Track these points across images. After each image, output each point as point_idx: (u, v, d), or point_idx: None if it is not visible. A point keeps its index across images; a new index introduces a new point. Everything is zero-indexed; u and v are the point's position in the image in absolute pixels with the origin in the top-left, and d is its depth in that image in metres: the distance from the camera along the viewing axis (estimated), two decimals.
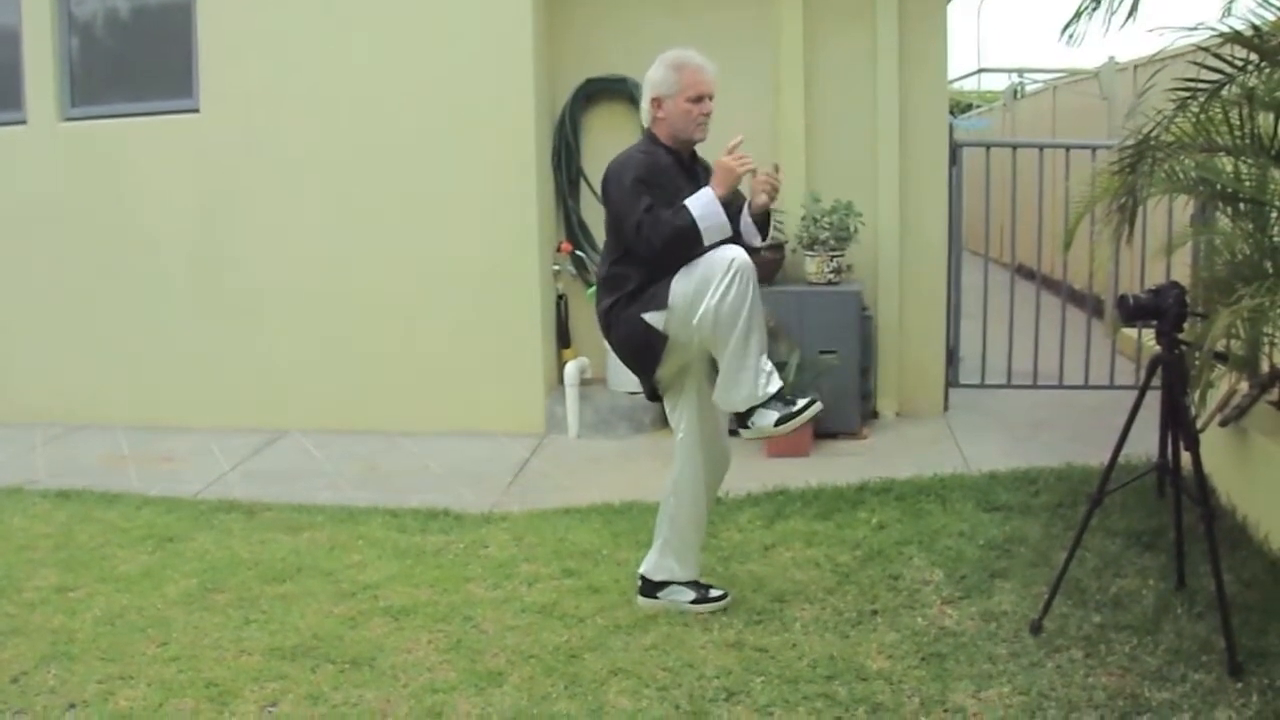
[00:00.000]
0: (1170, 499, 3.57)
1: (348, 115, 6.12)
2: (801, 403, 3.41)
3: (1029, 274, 8.06)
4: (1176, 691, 2.98)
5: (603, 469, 5.45)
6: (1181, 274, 4.89)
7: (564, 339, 6.34)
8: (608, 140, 5.80)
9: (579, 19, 6.21)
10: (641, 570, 3.76)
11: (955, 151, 6.24)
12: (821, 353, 5.56)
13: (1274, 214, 3.67)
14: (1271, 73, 3.28)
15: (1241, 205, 3.72)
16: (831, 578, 3.89)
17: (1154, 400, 3.37)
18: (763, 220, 3.65)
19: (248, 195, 6.29)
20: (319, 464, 5.68)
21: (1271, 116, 3.41)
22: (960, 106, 15.03)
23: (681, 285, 3.38)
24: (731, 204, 3.48)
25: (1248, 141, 3.42)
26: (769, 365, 3.42)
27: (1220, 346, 3.56)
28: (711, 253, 3.36)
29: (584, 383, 6.14)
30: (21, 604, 3.90)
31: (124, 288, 6.50)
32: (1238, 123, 3.42)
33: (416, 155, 6.06)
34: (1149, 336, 3.48)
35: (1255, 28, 3.24)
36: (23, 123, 6.58)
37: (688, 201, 3.38)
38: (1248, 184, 3.65)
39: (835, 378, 5.51)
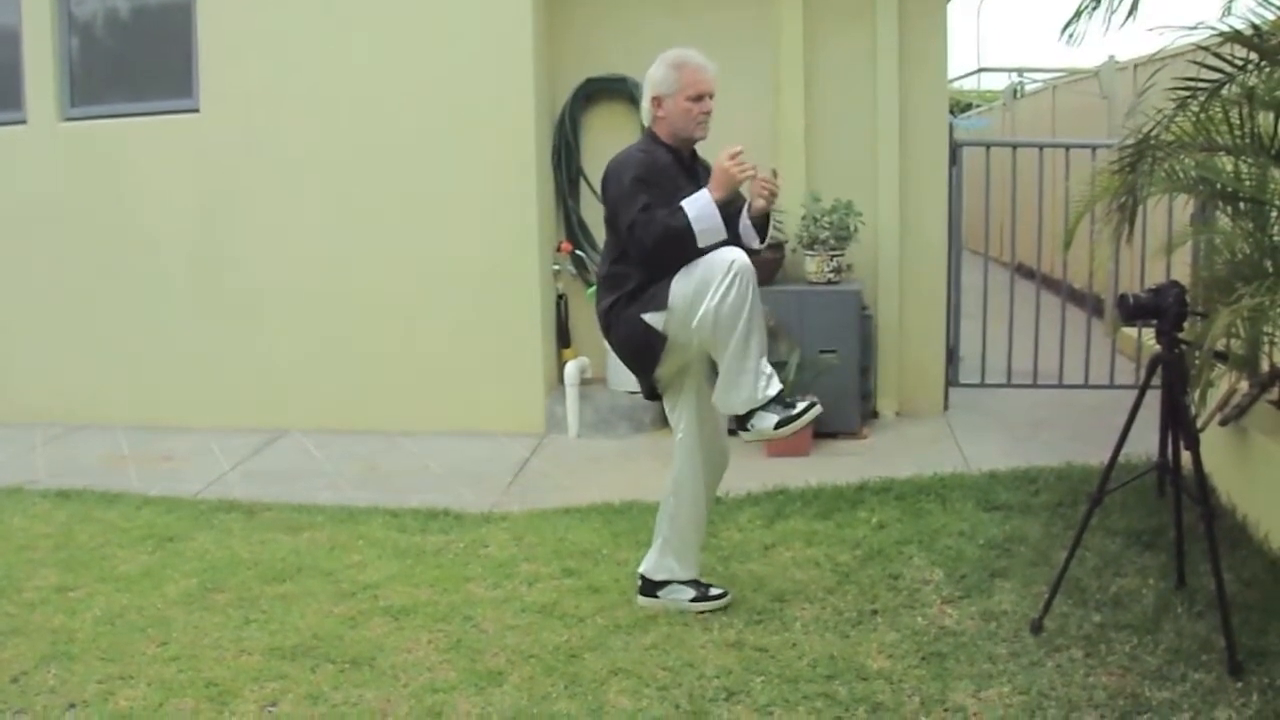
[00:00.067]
0: (1170, 498, 3.57)
1: (348, 115, 6.12)
2: (801, 406, 3.41)
3: (1029, 273, 8.05)
4: (1177, 691, 2.98)
5: (603, 469, 5.45)
6: (1181, 273, 4.89)
7: (564, 339, 6.34)
8: (607, 140, 5.80)
9: (579, 19, 6.21)
10: (641, 570, 3.76)
11: (955, 151, 6.24)
12: (821, 352, 5.56)
13: (1274, 213, 3.67)
14: (1271, 72, 3.28)
15: (1241, 204, 3.72)
16: (831, 577, 3.89)
17: (1154, 399, 3.37)
18: (761, 223, 3.64)
19: (248, 195, 6.29)
20: (319, 464, 5.68)
21: (1271, 116, 3.41)
22: (960, 106, 15.00)
23: (681, 286, 3.38)
24: (731, 206, 3.47)
25: (1248, 141, 3.42)
26: (769, 368, 3.41)
27: (1220, 346, 3.56)
28: (711, 254, 3.35)
29: (584, 382, 6.14)
30: (21, 604, 3.90)
31: (124, 288, 6.50)
32: (1238, 122, 3.42)
33: (416, 155, 6.06)
34: (1149, 336, 3.47)
35: (1255, 27, 3.24)
36: (23, 123, 6.58)
37: (684, 203, 3.37)
38: (1248, 183, 3.65)
39: (835, 377, 5.52)
